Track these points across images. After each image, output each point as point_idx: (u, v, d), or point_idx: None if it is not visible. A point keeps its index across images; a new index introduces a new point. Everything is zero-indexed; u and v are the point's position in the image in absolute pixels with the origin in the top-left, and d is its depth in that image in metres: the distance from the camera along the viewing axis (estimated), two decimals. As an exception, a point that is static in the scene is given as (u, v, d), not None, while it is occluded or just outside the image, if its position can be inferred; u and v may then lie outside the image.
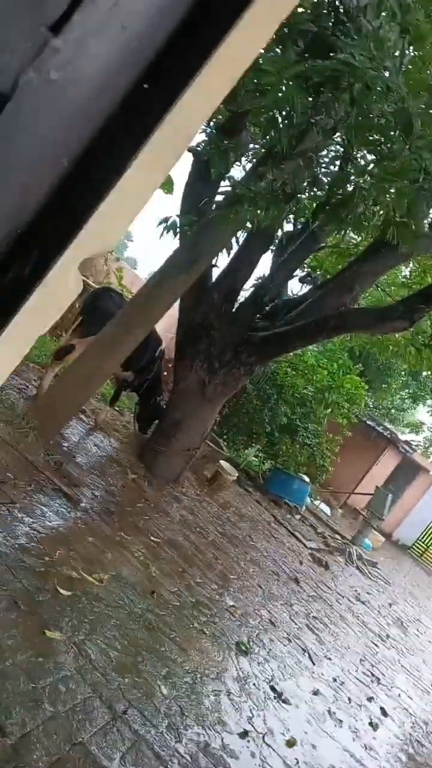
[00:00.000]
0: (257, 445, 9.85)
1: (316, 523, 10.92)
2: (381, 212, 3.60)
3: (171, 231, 4.78)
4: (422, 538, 17.88)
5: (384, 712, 4.98)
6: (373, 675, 5.66)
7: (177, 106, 0.58)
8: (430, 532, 17.97)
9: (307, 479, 10.25)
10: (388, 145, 3.04)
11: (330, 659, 5.32)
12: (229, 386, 6.61)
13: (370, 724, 4.60)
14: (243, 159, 4.96)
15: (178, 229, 4.60)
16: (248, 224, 3.97)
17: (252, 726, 3.47)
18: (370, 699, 5.05)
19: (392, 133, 2.94)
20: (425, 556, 17.67)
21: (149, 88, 0.57)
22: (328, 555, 9.19)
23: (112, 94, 0.56)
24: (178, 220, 4.81)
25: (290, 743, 3.58)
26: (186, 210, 5.42)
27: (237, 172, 5.57)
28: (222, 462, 8.07)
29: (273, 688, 4.05)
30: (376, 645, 6.64)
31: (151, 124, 0.58)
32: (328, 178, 4.14)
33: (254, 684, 3.95)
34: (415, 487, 18.13)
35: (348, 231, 5.82)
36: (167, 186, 7.75)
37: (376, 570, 10.47)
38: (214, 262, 6.09)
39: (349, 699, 4.78)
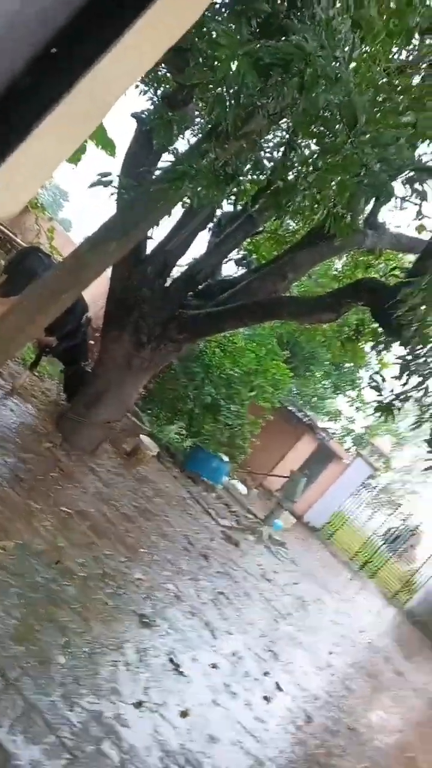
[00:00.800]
0: (180, 422, 9.89)
1: (231, 502, 11.13)
2: (321, 203, 3.65)
3: (105, 186, 4.63)
4: (331, 521, 18.63)
5: (278, 687, 5.19)
6: (271, 651, 5.88)
7: (91, 73, 0.56)
8: (339, 516, 18.76)
9: (226, 459, 10.41)
10: (332, 138, 3.07)
11: (231, 634, 5.47)
12: (155, 362, 6.57)
13: (264, 697, 4.78)
14: (188, 133, 4.88)
15: (115, 190, 4.46)
16: (187, 201, 3.93)
17: (147, 696, 3.53)
18: (266, 673, 5.25)
19: (337, 126, 2.98)
20: (333, 539, 18.45)
21: (59, 53, 0.54)
22: (240, 533, 9.40)
23: (15, 57, 0.53)
24: (117, 180, 4.67)
25: (184, 714, 3.67)
26: (126, 174, 5.28)
27: (181, 144, 5.49)
28: (142, 436, 8.04)
29: (172, 660, 4.13)
30: (277, 622, 6.89)
31: (59, 90, 0.55)
32: (271, 163, 4.15)
33: (153, 656, 4.01)
34: (329, 473, 18.81)
35: (286, 218, 5.89)
36: (110, 148, 7.52)
37: (284, 550, 10.82)
38: (149, 234, 5.98)
39: (246, 673, 4.94)
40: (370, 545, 19.48)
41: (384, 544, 20.72)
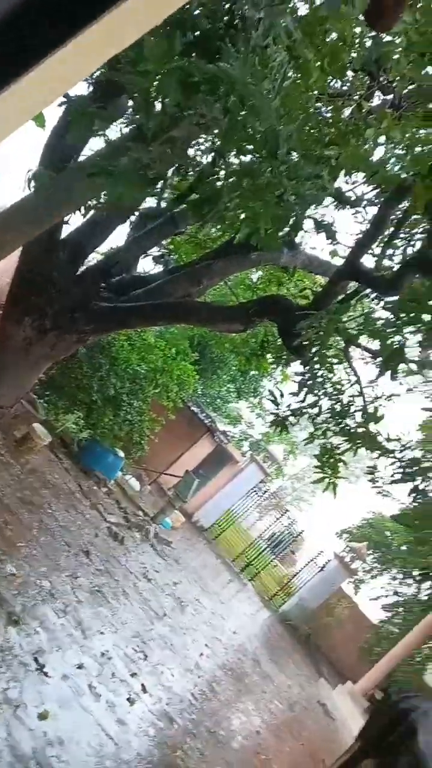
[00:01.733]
0: (78, 412, 9.65)
1: (122, 498, 11.03)
2: (242, 221, 3.70)
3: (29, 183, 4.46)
4: (219, 522, 18.96)
5: (144, 689, 5.19)
6: (142, 652, 5.88)
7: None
8: (228, 517, 19.13)
9: (121, 454, 10.29)
10: (254, 162, 3.12)
11: (103, 634, 5.41)
12: (57, 351, 6.38)
13: (128, 699, 4.77)
14: (114, 126, 4.76)
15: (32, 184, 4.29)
16: (104, 196, 3.84)
17: (5, 696, 3.41)
18: (133, 675, 5.24)
19: (258, 152, 3.03)
20: (218, 540, 18.78)
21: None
22: (126, 530, 9.33)
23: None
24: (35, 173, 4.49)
25: (42, 716, 3.58)
26: (45, 161, 5.08)
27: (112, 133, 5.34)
28: (35, 424, 7.77)
29: (36, 660, 4.02)
30: (152, 622, 6.91)
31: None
32: (197, 170, 4.15)
33: (17, 655, 3.89)
34: (222, 475, 19.14)
35: (207, 225, 5.92)
36: (39, 120, 7.20)
37: (169, 549, 10.87)
38: (66, 219, 5.79)
39: (113, 674, 4.91)
40: (254, 548, 20.04)
41: (267, 547, 21.40)
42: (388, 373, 2.93)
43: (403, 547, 16.48)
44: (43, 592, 5.01)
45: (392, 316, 2.58)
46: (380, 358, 3.68)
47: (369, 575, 18.95)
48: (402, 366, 4.55)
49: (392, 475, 5.70)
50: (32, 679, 3.81)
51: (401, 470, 5.41)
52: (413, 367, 3.76)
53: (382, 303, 5.24)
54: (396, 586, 18.10)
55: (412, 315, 2.44)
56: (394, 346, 2.71)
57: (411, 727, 3.50)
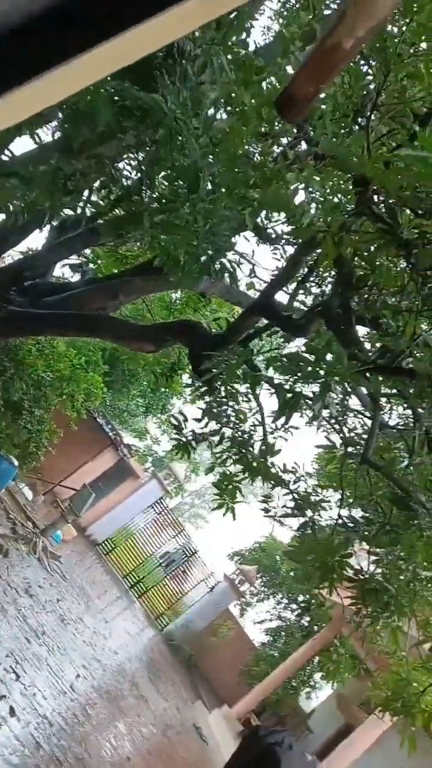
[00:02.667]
0: (-26, 415, 9.19)
1: (12, 507, 10.59)
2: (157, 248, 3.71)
3: None
4: (113, 538, 18.64)
5: (12, 712, 4.96)
6: (14, 672, 5.62)
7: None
8: (123, 533, 18.86)
9: (15, 462, 9.87)
10: (176, 195, 3.15)
11: (-26, 653, 5.15)
12: (-42, 350, 6.07)
13: (-7, 723, 4.55)
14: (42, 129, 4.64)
15: None
16: (17, 201, 3.73)
17: None
18: (2, 697, 5.00)
19: (180, 187, 3.07)
20: (110, 555, 18.44)
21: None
22: (12, 542, 8.95)
23: None
24: None
25: None
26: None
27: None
28: None
29: None
30: (29, 641, 6.63)
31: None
32: (122, 186, 4.12)
33: None
34: (122, 489, 18.87)
35: (128, 241, 5.89)
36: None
37: (57, 563, 10.53)
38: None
39: (-20, 697, 4.67)
40: (146, 565, 19.85)
41: (160, 565, 21.27)
42: (282, 420, 3.03)
43: (291, 573, 16.95)
44: None
45: (291, 365, 2.69)
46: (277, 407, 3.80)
47: (256, 598, 19.31)
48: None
49: (284, 506, 5.83)
50: None
51: (293, 502, 5.55)
52: (306, 417, 3.91)
53: (285, 349, 5.42)
54: (281, 611, 18.55)
55: (308, 370, 2.56)
56: (289, 396, 2.82)
57: (274, 762, 3.58)
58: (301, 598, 17.84)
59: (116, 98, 2.68)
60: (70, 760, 5.34)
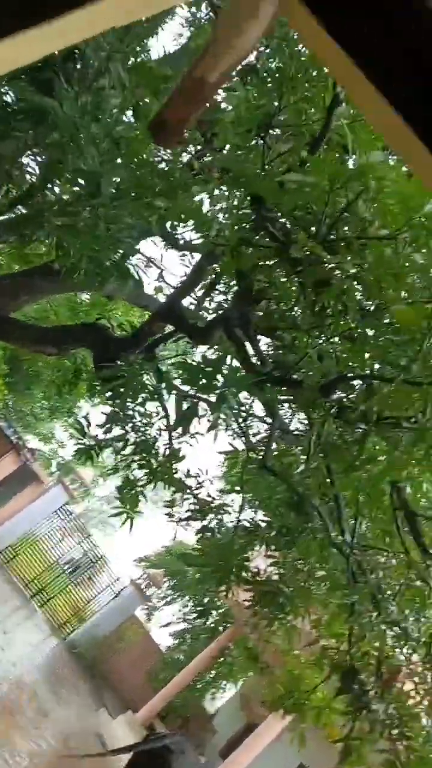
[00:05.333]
0: None
1: None
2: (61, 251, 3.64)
3: None
4: (14, 545, 17.93)
5: None
6: None
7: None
8: (25, 540, 18.17)
9: None
10: (75, 199, 3.11)
11: None
12: None
13: None
14: None
15: None
16: None
17: None
18: None
19: (82, 189, 3.03)
20: (11, 563, 17.73)
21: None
22: None
23: None
24: None
25: None
26: None
27: None
28: None
29: None
30: None
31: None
32: (19, 186, 4.01)
33: None
34: (25, 495, 18.22)
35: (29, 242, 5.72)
36: None
37: None
38: None
39: None
40: (50, 572, 19.25)
41: (65, 572, 20.69)
42: (179, 430, 3.07)
43: (197, 576, 17.05)
44: None
45: (188, 376, 2.73)
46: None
47: (163, 602, 19.27)
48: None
49: (188, 511, 5.89)
50: None
51: (196, 507, 5.63)
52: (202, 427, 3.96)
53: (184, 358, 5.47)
54: (186, 614, 18.63)
55: (204, 382, 2.61)
56: (186, 408, 2.86)
57: (165, 765, 3.60)
58: (206, 600, 18.01)
59: (10, 98, 2.60)
60: (-41, 782, 5.09)
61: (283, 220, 2.66)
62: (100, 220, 3.00)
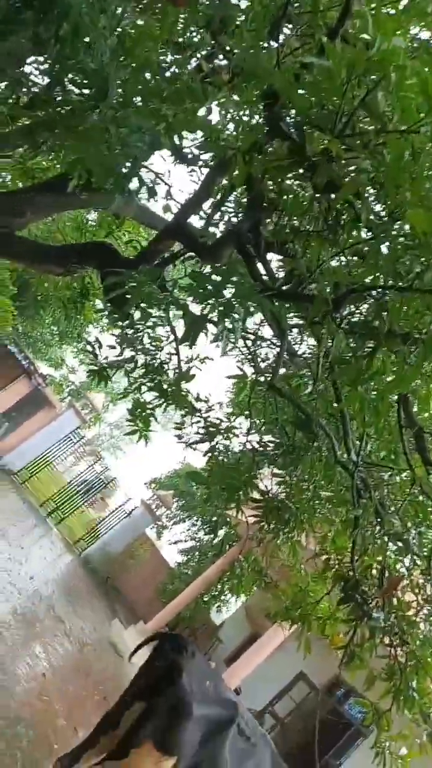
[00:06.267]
0: None
1: None
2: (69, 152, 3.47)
3: None
4: (29, 466, 18.46)
5: None
6: None
7: None
8: (40, 462, 18.68)
9: None
10: (83, 101, 2.94)
11: None
12: None
13: None
14: None
15: None
16: None
17: None
18: None
19: (90, 89, 2.85)
20: (27, 484, 18.31)
21: None
22: None
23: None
24: None
25: None
26: None
27: None
28: None
29: None
30: None
31: None
32: (32, 92, 3.79)
33: None
34: (38, 419, 18.58)
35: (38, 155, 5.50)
36: None
37: (-31, 492, 10.35)
38: None
39: None
40: (64, 492, 19.91)
41: (78, 492, 21.40)
42: (187, 343, 3.03)
43: (205, 496, 17.59)
44: None
45: (197, 286, 2.65)
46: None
47: (172, 522, 19.99)
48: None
49: (197, 433, 5.97)
50: None
51: (204, 429, 5.69)
52: (210, 337, 3.91)
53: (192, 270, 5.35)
54: (194, 533, 19.35)
55: (212, 290, 2.54)
56: (193, 318, 2.81)
57: (176, 669, 3.79)
58: (214, 519, 18.64)
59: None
60: (-17, 679, 5.45)
61: (298, 119, 2.50)
62: (110, 123, 2.84)
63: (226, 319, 2.52)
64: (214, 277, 2.64)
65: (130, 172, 3.70)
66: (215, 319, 3.20)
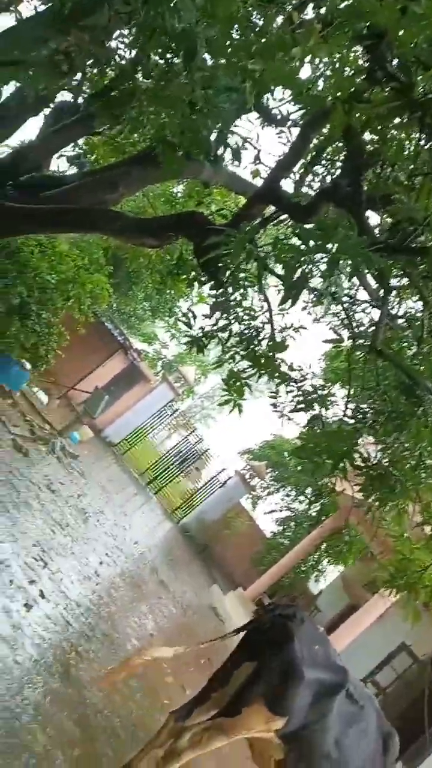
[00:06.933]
0: (-19, 320, 9.15)
1: (28, 410, 10.82)
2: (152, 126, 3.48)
3: None
4: (128, 438, 19.20)
5: (42, 595, 5.32)
6: (42, 560, 5.97)
7: None
8: (136, 434, 19.40)
9: (28, 366, 9.98)
10: (170, 64, 2.90)
11: (1, 542, 5.43)
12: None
13: (25, 605, 4.88)
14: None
15: None
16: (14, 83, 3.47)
17: None
18: (31, 582, 5.33)
19: (178, 51, 2.81)
20: (126, 455, 19.08)
21: None
22: (31, 443, 9.23)
23: None
24: None
25: None
26: None
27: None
28: None
29: None
30: (54, 532, 7.00)
31: None
32: (115, 66, 3.82)
33: None
34: (134, 393, 19.20)
35: (125, 128, 5.55)
36: None
37: (76, 462, 10.91)
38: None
39: (11, 581, 4.98)
40: (161, 463, 20.57)
41: (174, 463, 22.03)
42: (288, 302, 2.95)
43: (299, 468, 17.51)
44: None
45: (301, 243, 2.57)
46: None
47: (266, 492, 20.12)
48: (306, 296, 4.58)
49: (292, 402, 5.89)
50: None
51: (301, 398, 5.60)
52: (313, 296, 3.80)
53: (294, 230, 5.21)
54: (289, 503, 19.37)
55: (318, 244, 2.44)
56: (297, 276, 2.72)
57: (287, 634, 3.84)
58: (308, 490, 18.57)
59: None
60: (98, 636, 5.78)
61: (404, 58, 2.34)
62: (197, 85, 2.79)
63: (329, 277, 2.44)
64: (317, 231, 2.55)
65: (219, 136, 3.64)
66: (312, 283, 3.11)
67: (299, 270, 2.69)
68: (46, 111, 6.37)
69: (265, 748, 4.09)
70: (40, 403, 12.17)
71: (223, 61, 3.41)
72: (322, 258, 2.68)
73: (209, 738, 3.88)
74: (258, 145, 6.53)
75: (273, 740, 3.93)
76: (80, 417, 12.58)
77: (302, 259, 2.63)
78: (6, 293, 8.42)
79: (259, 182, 6.53)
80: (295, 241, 4.68)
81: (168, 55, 3.09)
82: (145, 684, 5.83)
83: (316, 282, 4.29)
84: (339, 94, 2.61)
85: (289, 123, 6.38)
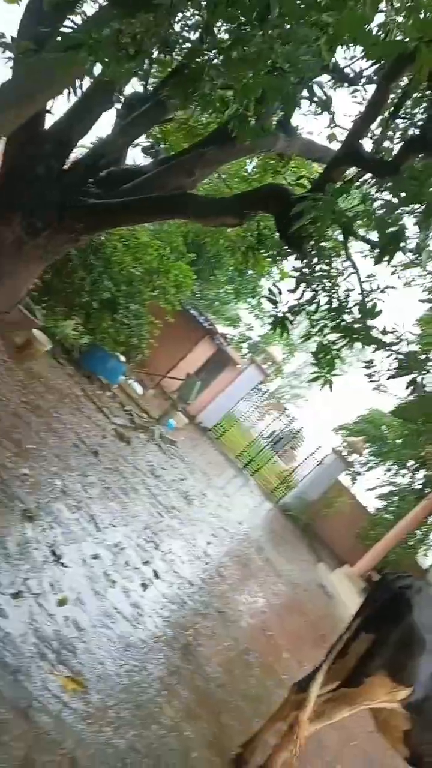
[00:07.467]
0: (77, 318, 9.55)
1: (127, 401, 11.19)
2: (227, 99, 3.43)
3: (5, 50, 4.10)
4: (221, 423, 19.43)
5: (156, 575, 5.51)
6: (153, 542, 6.18)
7: None
8: (230, 418, 19.62)
9: (123, 358, 10.31)
10: (247, 27, 2.84)
11: (115, 527, 5.67)
12: (50, 251, 6.16)
13: (142, 584, 5.07)
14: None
15: (11, 54, 3.94)
16: (86, 75, 3.54)
17: (26, 587, 3.61)
18: (146, 563, 5.54)
19: (252, 14, 2.74)
20: (221, 439, 19.32)
21: None
22: (132, 431, 9.54)
23: None
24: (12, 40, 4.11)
25: (61, 602, 3.81)
26: (23, 35, 4.64)
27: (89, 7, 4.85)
28: (35, 331, 7.70)
29: (53, 552, 4.23)
30: (161, 515, 7.22)
31: None
32: (183, 45, 3.81)
33: (35, 548, 4.08)
34: (223, 377, 19.35)
35: (195, 109, 5.54)
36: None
37: (174, 448, 11.18)
38: (48, 107, 5.41)
39: (127, 563, 5.19)
40: (255, 445, 20.66)
41: (268, 444, 22.08)
42: (386, 259, 2.82)
43: (398, 441, 16.99)
44: (56, 490, 5.18)
45: (392, 197, 2.44)
46: (377, 249, 3.54)
47: (365, 468, 19.69)
48: (400, 256, 4.39)
49: (389, 369, 5.69)
50: (51, 569, 4.02)
51: (398, 364, 5.40)
52: (410, 253, 3.62)
53: (380, 187, 4.99)
54: (391, 477, 18.86)
55: (413, 194, 2.31)
56: (392, 230, 2.59)
57: (406, 603, 3.75)
58: (410, 463, 17.98)
59: None
60: (213, 613, 5.92)
61: None
62: (275, 42, 2.72)
63: (427, 227, 2.30)
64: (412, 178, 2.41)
65: (294, 92, 3.52)
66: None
67: (394, 226, 2.57)
68: (117, 106, 6.50)
69: (391, 717, 4.02)
70: (136, 393, 12.55)
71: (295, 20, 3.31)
72: (416, 210, 2.54)
73: (332, 709, 3.87)
74: (332, 109, 6.32)
75: (398, 710, 3.87)
76: (175, 404, 12.86)
77: (396, 212, 2.51)
78: (96, 289, 8.71)
79: (336, 146, 6.33)
80: (381, 199, 4.51)
81: (237, 22, 3.03)
82: (262, 660, 5.91)
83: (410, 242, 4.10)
84: (422, 36, 2.45)
85: (363, 80, 6.12)
